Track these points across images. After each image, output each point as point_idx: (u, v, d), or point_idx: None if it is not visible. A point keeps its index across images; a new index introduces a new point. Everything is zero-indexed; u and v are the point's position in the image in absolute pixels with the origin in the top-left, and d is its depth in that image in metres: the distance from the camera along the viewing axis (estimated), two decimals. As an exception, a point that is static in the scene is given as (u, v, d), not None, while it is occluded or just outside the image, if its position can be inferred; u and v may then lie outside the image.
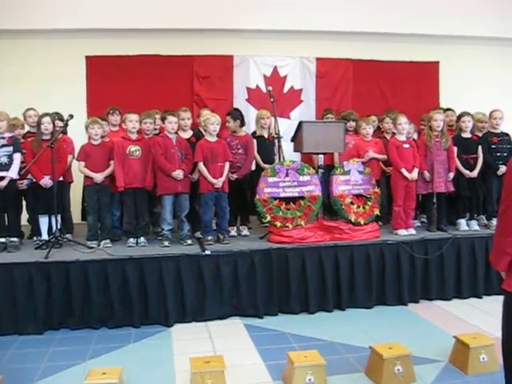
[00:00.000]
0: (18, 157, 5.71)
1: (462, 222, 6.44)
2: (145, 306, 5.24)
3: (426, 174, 6.22)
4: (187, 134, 6.25)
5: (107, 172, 5.88)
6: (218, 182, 5.78)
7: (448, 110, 7.33)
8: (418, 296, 5.86)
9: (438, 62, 9.22)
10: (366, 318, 5.43)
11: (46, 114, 5.91)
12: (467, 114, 6.53)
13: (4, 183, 5.59)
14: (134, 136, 5.94)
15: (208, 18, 8.13)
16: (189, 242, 5.79)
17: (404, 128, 6.27)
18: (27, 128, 6.44)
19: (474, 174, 6.40)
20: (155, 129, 6.48)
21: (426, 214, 6.72)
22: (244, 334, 5.03)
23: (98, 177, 5.82)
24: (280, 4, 8.27)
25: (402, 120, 6.26)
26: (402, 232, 6.11)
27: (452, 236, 6.02)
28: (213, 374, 3.72)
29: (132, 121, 5.92)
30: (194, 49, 8.41)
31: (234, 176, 6.25)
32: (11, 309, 5.01)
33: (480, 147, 6.47)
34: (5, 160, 5.64)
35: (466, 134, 6.52)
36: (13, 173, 5.65)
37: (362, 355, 4.28)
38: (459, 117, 6.62)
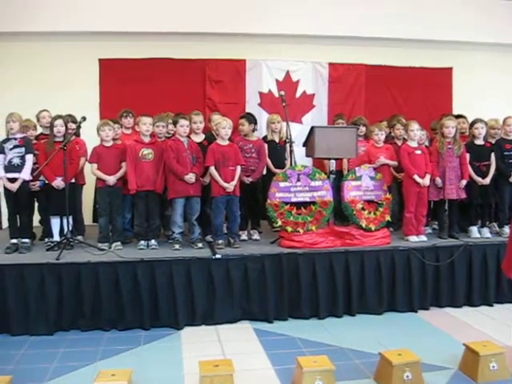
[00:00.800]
0: (30, 158, 5.74)
1: (474, 229, 6.41)
2: (155, 309, 5.25)
3: (438, 181, 6.20)
4: (199, 138, 6.27)
5: (119, 174, 5.90)
6: (230, 186, 5.79)
7: (460, 116, 7.31)
8: (429, 303, 5.83)
9: (451, 69, 9.20)
10: (376, 324, 5.41)
11: (59, 117, 5.95)
12: (480, 120, 6.50)
13: (16, 185, 5.63)
14: (146, 139, 5.96)
15: (221, 22, 8.16)
16: (199, 245, 5.81)
17: (416, 134, 6.25)
18: (40, 129, 6.48)
19: (487, 181, 6.37)
20: (168, 132, 6.50)
21: (437, 221, 6.68)
22: (253, 338, 5.02)
23: (111, 179, 5.84)
24: (293, 9, 8.30)
25: (414, 126, 6.24)
26: (413, 238, 6.09)
27: (463, 243, 5.98)
28: (222, 378, 3.72)
29: (146, 123, 5.94)
30: (207, 53, 8.44)
31: (250, 179, 6.26)
32: (22, 309, 5.04)
33: (493, 154, 6.44)
34: (17, 161, 5.68)
35: (479, 141, 6.49)
36: (25, 174, 5.68)
37: (371, 361, 4.27)
38: (472, 123, 6.59)
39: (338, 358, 4.33)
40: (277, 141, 6.77)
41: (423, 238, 6.14)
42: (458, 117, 7.27)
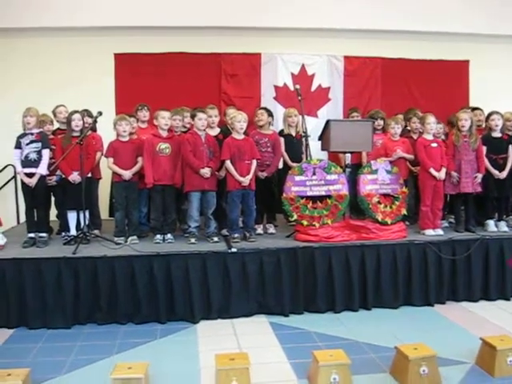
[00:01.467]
0: (46, 153, 5.77)
1: (491, 222, 6.36)
2: (171, 303, 5.27)
3: (454, 175, 6.16)
4: (214, 132, 6.28)
5: (135, 169, 5.93)
6: (246, 180, 5.79)
7: (476, 109, 7.25)
8: (445, 297, 5.80)
9: (468, 61, 9.11)
10: (392, 318, 5.40)
11: (76, 111, 5.98)
12: (496, 112, 6.43)
13: (34, 180, 5.67)
14: (164, 133, 5.97)
15: (236, 15, 8.16)
16: (215, 239, 5.82)
17: (432, 127, 6.21)
18: (56, 124, 6.52)
19: (504, 174, 6.31)
20: (184, 126, 6.51)
21: (453, 215, 6.63)
22: (269, 331, 5.03)
23: (127, 174, 5.86)
24: (308, 2, 8.28)
25: (431, 119, 6.20)
26: (430, 232, 6.06)
27: (480, 237, 5.94)
28: (237, 371, 3.73)
29: (164, 117, 5.95)
30: (222, 47, 8.44)
31: (264, 174, 6.26)
32: (40, 303, 5.09)
33: (510, 147, 6.38)
34: (34, 156, 5.71)
35: (496, 134, 6.43)
36: (42, 169, 5.72)
37: (387, 355, 4.25)
38: (488, 116, 6.53)
39: (354, 351, 4.32)
40: (293, 134, 6.75)
41: (439, 231, 6.10)
42: (475, 109, 7.22)
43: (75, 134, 5.88)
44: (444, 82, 8.97)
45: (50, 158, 5.85)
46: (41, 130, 5.94)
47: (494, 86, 8.78)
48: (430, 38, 8.83)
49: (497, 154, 6.37)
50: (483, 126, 6.85)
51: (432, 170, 6.04)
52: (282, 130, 6.84)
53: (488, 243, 5.92)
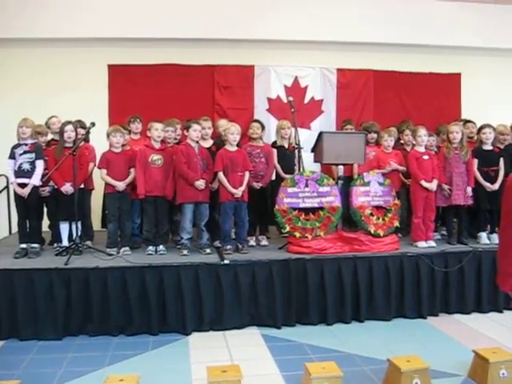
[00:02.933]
0: (40, 164, 5.77)
1: (483, 235, 6.38)
2: (163, 314, 5.25)
3: (445, 187, 6.19)
4: (208, 143, 6.29)
5: (128, 180, 5.93)
6: (238, 192, 5.80)
7: (468, 121, 7.29)
8: (438, 309, 5.81)
9: (459, 74, 9.18)
10: (385, 331, 5.39)
11: (69, 122, 5.98)
12: (488, 125, 6.47)
13: (27, 191, 5.66)
14: (157, 145, 5.98)
15: (229, 28, 8.19)
16: (208, 250, 5.81)
17: (423, 140, 6.24)
18: (50, 135, 6.51)
19: (496, 186, 6.33)
20: (175, 138, 6.52)
21: (445, 227, 6.65)
22: (261, 343, 5.02)
23: (121, 185, 5.87)
24: (301, 14, 8.32)
25: (422, 132, 6.23)
26: (422, 244, 6.07)
27: (473, 249, 5.96)
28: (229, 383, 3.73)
29: (158, 129, 5.97)
30: (215, 58, 8.47)
31: (260, 184, 6.26)
32: (31, 314, 5.06)
33: (501, 159, 6.42)
34: (27, 167, 5.71)
35: (487, 146, 6.47)
36: (35, 180, 5.71)
37: (379, 368, 4.25)
38: (480, 128, 6.56)
39: (347, 364, 4.32)
40: (286, 146, 6.76)
41: (432, 243, 6.12)
42: (467, 122, 7.26)
43: (68, 145, 5.87)
44: (436, 95, 9.03)
45: (43, 169, 5.83)
46: (35, 140, 5.94)
47: (485, 98, 8.86)
48: (422, 51, 8.89)
49: (488, 166, 6.40)
50: (475, 138, 6.88)
51: (423, 182, 6.06)
52: (275, 142, 6.85)
53: (481, 255, 5.94)
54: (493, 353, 4.10)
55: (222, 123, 6.69)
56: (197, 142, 5.96)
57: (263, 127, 6.69)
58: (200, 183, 5.76)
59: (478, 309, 5.90)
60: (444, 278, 5.82)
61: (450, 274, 5.82)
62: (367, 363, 4.49)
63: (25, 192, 5.65)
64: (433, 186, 6.10)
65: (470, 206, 6.32)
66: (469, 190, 6.23)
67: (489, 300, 5.91)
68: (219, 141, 6.44)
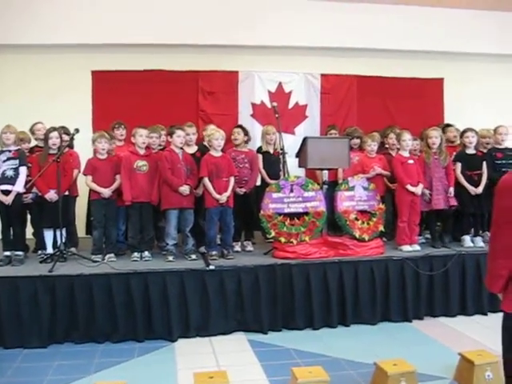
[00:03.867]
0: (23, 170, 5.73)
1: (467, 238, 6.42)
2: (148, 321, 5.23)
3: (426, 192, 6.24)
4: (192, 149, 6.29)
5: (114, 186, 5.91)
6: (223, 197, 5.80)
7: (448, 125, 7.35)
8: (423, 312, 5.84)
9: (442, 79, 9.27)
10: (371, 334, 5.41)
11: (54, 129, 5.95)
12: (470, 129, 6.53)
13: (10, 198, 5.61)
14: (142, 151, 5.97)
15: (213, 33, 8.20)
16: (193, 256, 5.80)
17: (408, 144, 6.28)
18: (34, 142, 6.47)
19: (479, 190, 6.38)
20: (160, 144, 6.51)
21: (429, 231, 6.69)
22: (248, 349, 5.01)
23: (106, 192, 5.84)
24: (285, 20, 8.37)
25: (406, 136, 6.27)
26: (407, 248, 6.10)
27: (457, 252, 6.00)
28: (217, 390, 3.71)
29: (142, 135, 5.96)
30: (199, 64, 8.47)
31: (243, 190, 6.27)
32: (16, 322, 5.01)
33: (484, 163, 6.47)
34: (10, 173, 5.67)
35: (470, 150, 6.52)
36: (19, 187, 5.67)
37: (366, 371, 4.26)
38: (463, 132, 6.63)
39: (333, 368, 4.32)
40: (271, 152, 6.78)
41: (416, 247, 6.15)
42: (447, 126, 7.32)
43: (52, 152, 5.85)
44: (419, 100, 9.10)
45: (27, 176, 5.79)
46: (19, 147, 5.90)
47: (468, 102, 8.96)
48: (405, 56, 8.97)
49: (471, 170, 6.46)
50: (457, 142, 6.94)
51: (409, 186, 6.09)
52: (260, 148, 6.86)
53: (464, 258, 5.98)
54: (478, 355, 4.12)
55: (210, 128, 6.66)
56: (181, 148, 5.96)
57: (246, 133, 6.69)
58: (184, 189, 5.75)
59: (462, 311, 5.94)
60: (429, 281, 5.85)
61: (434, 278, 5.85)
62: (354, 367, 4.50)
63: (8, 199, 5.60)
64: (418, 190, 6.14)
65: (455, 209, 6.36)
66: (451, 190, 6.28)
67: (473, 302, 5.94)
68: (203, 146, 6.45)
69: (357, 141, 7.05)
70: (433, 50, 8.91)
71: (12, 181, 5.66)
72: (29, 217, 6.31)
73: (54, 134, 5.89)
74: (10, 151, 5.73)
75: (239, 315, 5.44)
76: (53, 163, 5.63)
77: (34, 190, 5.98)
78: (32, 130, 6.46)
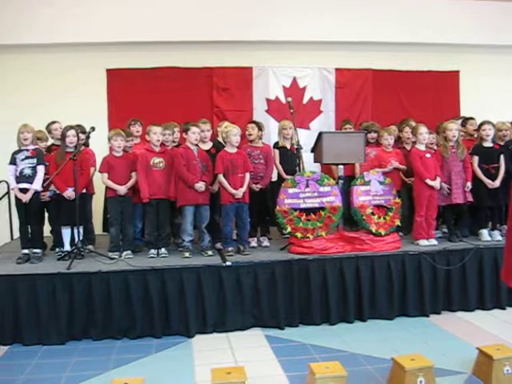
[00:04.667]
0: (41, 169, 5.77)
1: (485, 232, 6.37)
2: (166, 317, 5.25)
3: (444, 186, 6.19)
4: (207, 146, 6.30)
5: (130, 184, 5.93)
6: (239, 193, 5.80)
7: (469, 119, 7.28)
8: (440, 307, 5.81)
9: (458, 72, 9.19)
10: (388, 329, 5.39)
11: (71, 127, 5.98)
12: (487, 122, 6.48)
13: (28, 196, 5.65)
14: (157, 148, 5.99)
15: (227, 29, 8.21)
16: (209, 253, 5.82)
17: (424, 138, 6.24)
18: (51, 140, 6.52)
19: (496, 183, 6.33)
20: (173, 141, 6.53)
21: (446, 225, 6.65)
22: (265, 345, 5.02)
23: (122, 189, 5.87)
24: (298, 15, 8.34)
25: (423, 130, 6.23)
26: (424, 242, 6.07)
27: (474, 246, 5.96)
28: (234, 385, 3.72)
29: (156, 133, 5.97)
30: (214, 61, 8.47)
31: (259, 186, 6.27)
32: (34, 319, 5.06)
33: (502, 156, 6.41)
34: (28, 172, 5.71)
35: (488, 143, 6.47)
36: (37, 185, 5.71)
37: (383, 367, 4.26)
38: (480, 125, 6.57)
39: (351, 363, 4.32)
40: (288, 147, 6.74)
41: (433, 241, 6.12)
42: (467, 119, 7.24)
43: (69, 150, 5.88)
44: (435, 93, 9.05)
45: (44, 174, 5.83)
46: (36, 146, 5.95)
47: (484, 95, 8.86)
48: (420, 49, 8.90)
49: (489, 163, 6.40)
50: (476, 135, 6.88)
51: (428, 181, 6.05)
52: (277, 143, 6.84)
53: (482, 252, 5.94)
54: (496, 350, 4.10)
55: (226, 124, 6.64)
56: (196, 144, 5.97)
57: (260, 128, 6.67)
58: (200, 186, 5.76)
59: (480, 306, 5.90)
60: (446, 275, 5.82)
61: (452, 272, 5.82)
62: (371, 362, 4.49)
63: (26, 197, 5.65)
64: (437, 184, 6.10)
65: (472, 203, 6.31)
66: (468, 185, 6.24)
67: (492, 297, 5.90)
68: (218, 143, 6.45)
69: (374, 135, 7.01)
70: (448, 42, 8.83)
71: (30, 179, 5.70)
72: (46, 215, 6.35)
73: (71, 132, 5.92)
74: (27, 150, 5.77)
75: (256, 311, 5.45)
76: (70, 161, 5.66)
77: (52, 188, 6.01)
78: (48, 129, 6.50)
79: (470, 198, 6.26)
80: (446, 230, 6.65)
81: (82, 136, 6.14)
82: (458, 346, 4.83)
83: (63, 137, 5.95)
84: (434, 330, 5.37)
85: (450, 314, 5.81)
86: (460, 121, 7.09)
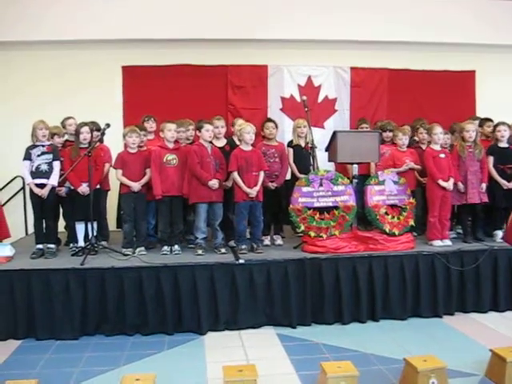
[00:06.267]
0: (57, 164, 5.82)
1: (499, 233, 6.33)
2: (178, 314, 5.27)
3: (461, 186, 6.16)
4: (221, 143, 6.30)
5: (144, 180, 5.96)
6: (253, 191, 5.80)
7: (487, 120, 7.21)
8: (454, 308, 5.77)
9: (474, 71, 9.13)
10: (401, 330, 5.36)
11: (85, 124, 6.03)
12: (503, 123, 6.44)
13: (46, 191, 5.71)
14: (171, 145, 6.00)
15: (242, 28, 8.21)
16: (222, 250, 5.82)
17: (439, 138, 6.21)
18: (65, 136, 6.55)
19: (511, 184, 6.30)
20: (187, 138, 6.54)
21: (461, 225, 6.61)
22: (277, 343, 5.01)
23: (136, 185, 5.89)
24: (314, 13, 8.33)
25: (438, 130, 6.20)
26: (438, 243, 6.04)
27: (489, 247, 5.92)
28: (245, 383, 3.72)
29: (171, 130, 5.98)
30: (228, 59, 8.49)
31: (274, 184, 6.27)
32: (48, 314, 5.10)
33: (517, 157, 6.37)
34: (45, 167, 5.76)
35: (503, 144, 6.43)
36: (53, 180, 5.77)
37: (396, 367, 4.24)
38: (495, 126, 6.55)
39: (363, 363, 4.31)
40: (302, 145, 6.71)
41: (448, 242, 6.08)
42: (485, 120, 7.17)
43: (83, 146, 5.92)
44: (450, 93, 8.99)
45: (60, 170, 5.87)
46: (51, 142, 5.99)
47: (500, 95, 8.81)
48: (435, 49, 8.85)
49: (504, 164, 6.37)
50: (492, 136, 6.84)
51: (440, 181, 6.02)
52: (291, 141, 6.82)
53: (497, 254, 5.90)
54: (510, 351, 4.06)
55: (240, 122, 6.66)
56: (210, 141, 5.97)
57: (276, 126, 6.68)
58: (213, 183, 5.77)
59: (494, 308, 5.86)
60: (460, 276, 5.79)
61: (465, 273, 5.78)
62: (383, 363, 4.48)
63: (44, 192, 5.70)
64: (450, 184, 6.06)
65: (486, 204, 6.27)
66: (483, 186, 6.21)
67: (505, 299, 5.86)
68: (232, 140, 6.46)
69: (389, 134, 6.97)
70: (464, 42, 8.77)
71: (46, 175, 5.75)
72: (61, 210, 6.39)
73: (85, 129, 5.97)
74: (43, 146, 5.81)
75: (268, 309, 5.45)
76: (84, 157, 5.69)
77: (67, 183, 6.05)
78: (63, 124, 6.56)
79: (486, 199, 6.23)
80: (460, 230, 6.62)
81: (97, 133, 6.17)
82: (471, 348, 4.80)
83: (77, 133, 5.99)
84: (447, 330, 5.34)
85: (463, 315, 5.77)
86: (477, 121, 7.03)
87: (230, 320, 5.36)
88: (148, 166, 5.94)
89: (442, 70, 8.98)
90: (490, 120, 7.16)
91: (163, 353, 4.81)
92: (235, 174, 5.83)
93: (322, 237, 5.75)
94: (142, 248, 5.90)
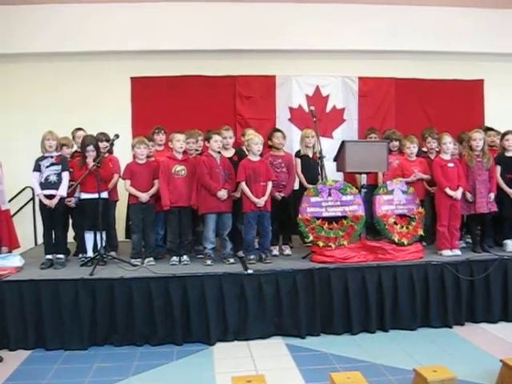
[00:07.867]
0: (66, 175, 5.84)
1: (509, 242, 6.29)
2: (187, 324, 5.26)
3: (468, 195, 6.14)
4: (229, 153, 6.31)
5: (152, 191, 5.98)
6: (261, 201, 5.80)
7: (489, 129, 7.21)
8: (463, 318, 5.74)
9: (482, 80, 9.12)
10: (410, 340, 5.34)
11: (90, 141, 6.03)
12: (510, 132, 6.42)
13: (55, 201, 5.73)
14: (179, 156, 6.02)
15: (250, 38, 8.26)
16: (231, 260, 5.82)
17: (449, 147, 6.20)
18: (75, 147, 6.60)
19: (520, 194, 6.29)
20: (196, 149, 6.55)
21: (470, 235, 6.58)
22: (286, 353, 5.00)
23: (144, 196, 5.92)
24: (321, 24, 8.36)
25: (447, 139, 6.19)
26: (447, 253, 6.01)
27: (498, 257, 5.89)
28: (255, 394, 3.71)
29: (179, 140, 6.00)
30: (237, 69, 8.54)
31: (282, 194, 6.26)
32: (57, 324, 5.12)
33: (526, 167, 6.35)
34: (54, 178, 5.78)
35: (510, 153, 6.41)
36: (62, 191, 5.79)
37: (405, 378, 4.22)
38: (503, 135, 6.52)
39: (372, 374, 4.30)
40: (310, 155, 6.72)
41: (457, 251, 6.06)
42: (488, 129, 7.17)
43: (88, 161, 5.96)
44: (458, 102, 8.98)
45: (69, 181, 5.90)
46: (60, 153, 6.02)
47: (509, 104, 8.78)
48: (443, 58, 8.85)
49: (511, 173, 6.34)
50: (496, 147, 6.81)
51: (448, 190, 6.01)
52: (299, 151, 6.83)
53: (507, 263, 5.86)
54: (521, 362, 4.05)
55: (249, 133, 6.65)
56: (218, 152, 5.99)
57: (284, 136, 6.69)
58: (222, 193, 5.78)
59: (504, 318, 5.81)
60: (469, 286, 5.76)
61: (475, 283, 5.75)
62: (393, 373, 4.45)
63: (52, 203, 5.72)
64: (458, 194, 6.05)
65: (496, 214, 6.25)
66: (491, 195, 6.18)
67: (516, 308, 5.83)
68: (240, 150, 6.47)
69: (396, 143, 6.97)
70: (472, 51, 8.77)
71: (55, 186, 5.77)
72: (70, 221, 6.42)
73: (90, 147, 5.99)
74: (52, 157, 5.84)
75: (277, 319, 5.44)
76: (93, 168, 5.74)
77: (77, 194, 6.08)
78: (73, 136, 6.61)
79: (494, 208, 6.20)
80: (469, 240, 6.59)
81: (106, 143, 6.20)
82: (482, 358, 4.77)
83: (83, 147, 6.02)
84: (457, 341, 5.31)
85: (473, 325, 5.74)
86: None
87: (238, 330, 5.35)
88: (156, 176, 5.96)
89: (450, 79, 8.98)
90: (492, 129, 7.15)
91: (172, 363, 4.80)
92: (243, 184, 5.84)
93: (330, 247, 5.74)
94: (151, 258, 5.92)
